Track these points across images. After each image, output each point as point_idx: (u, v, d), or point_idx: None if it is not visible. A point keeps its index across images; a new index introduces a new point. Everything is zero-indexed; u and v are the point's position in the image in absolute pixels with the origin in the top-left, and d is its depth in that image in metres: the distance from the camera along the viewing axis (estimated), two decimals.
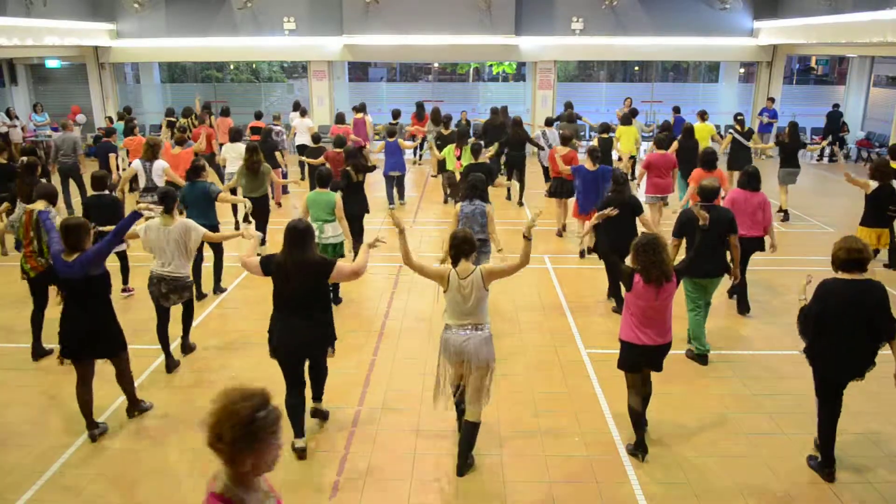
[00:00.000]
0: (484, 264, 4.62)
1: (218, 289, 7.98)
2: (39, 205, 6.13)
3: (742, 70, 20.71)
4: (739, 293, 7.33)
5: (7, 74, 17.94)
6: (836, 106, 16.99)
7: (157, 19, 16.96)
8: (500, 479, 4.55)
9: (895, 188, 7.67)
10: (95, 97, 18.06)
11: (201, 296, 7.67)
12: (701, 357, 6.19)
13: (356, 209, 8.17)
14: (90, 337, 4.80)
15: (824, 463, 4.55)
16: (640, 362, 4.66)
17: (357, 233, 8.16)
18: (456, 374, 4.58)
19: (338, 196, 7.17)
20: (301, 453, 4.74)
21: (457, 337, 4.45)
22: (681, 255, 5.54)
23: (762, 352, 6.44)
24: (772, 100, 16.54)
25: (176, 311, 6.17)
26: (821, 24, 13.90)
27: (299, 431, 4.75)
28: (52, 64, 18.68)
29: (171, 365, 6.06)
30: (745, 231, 6.66)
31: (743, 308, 7.31)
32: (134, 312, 7.18)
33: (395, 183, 12.05)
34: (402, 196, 12.34)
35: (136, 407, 5.30)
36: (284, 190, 12.56)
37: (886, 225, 7.80)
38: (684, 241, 6.12)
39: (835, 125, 16.51)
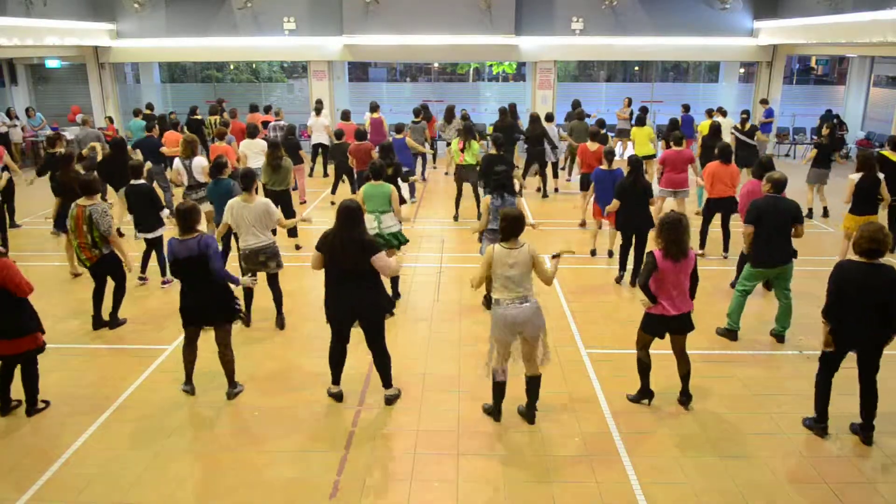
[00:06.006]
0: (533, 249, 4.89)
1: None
2: (85, 200, 6.55)
3: (742, 70, 20.71)
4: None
5: (7, 74, 17.93)
6: (829, 111, 17.62)
7: (157, 19, 16.96)
8: (500, 479, 4.55)
9: (879, 178, 8.23)
10: (95, 97, 18.05)
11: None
12: (730, 332, 6.63)
13: None
14: (203, 306, 5.39)
15: (819, 419, 5.00)
16: (663, 329, 5.21)
17: None
18: (506, 349, 4.95)
19: (393, 188, 7.29)
20: (338, 397, 5.47)
21: (509, 311, 4.82)
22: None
23: (762, 352, 6.44)
24: (765, 101, 16.55)
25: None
26: (821, 24, 13.88)
27: (336, 379, 5.49)
28: (52, 64, 18.66)
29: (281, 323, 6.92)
30: None
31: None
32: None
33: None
34: (412, 194, 12.39)
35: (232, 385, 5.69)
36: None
37: (873, 212, 8.19)
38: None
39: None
